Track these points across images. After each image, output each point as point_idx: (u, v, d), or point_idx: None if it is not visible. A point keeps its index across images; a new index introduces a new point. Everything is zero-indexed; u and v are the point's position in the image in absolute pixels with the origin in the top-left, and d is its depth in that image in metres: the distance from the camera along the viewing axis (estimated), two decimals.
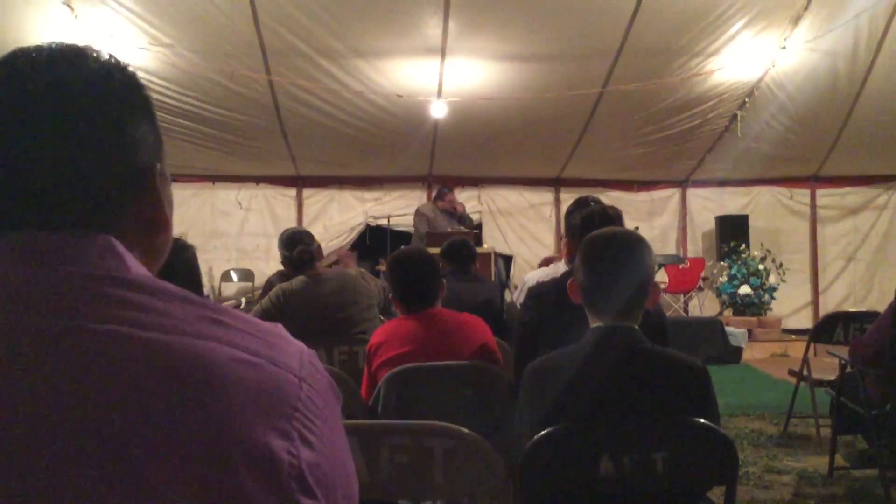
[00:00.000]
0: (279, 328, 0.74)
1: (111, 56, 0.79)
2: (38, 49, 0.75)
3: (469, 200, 10.43)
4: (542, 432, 1.87)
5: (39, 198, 0.71)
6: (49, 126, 0.72)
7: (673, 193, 11.25)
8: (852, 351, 4.09)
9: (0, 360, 0.62)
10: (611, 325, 2.02)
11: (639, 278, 2.05)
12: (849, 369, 4.12)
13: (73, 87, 0.74)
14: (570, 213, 3.15)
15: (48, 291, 0.66)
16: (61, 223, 0.71)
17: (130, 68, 0.80)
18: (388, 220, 10.13)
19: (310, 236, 4.33)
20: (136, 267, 0.73)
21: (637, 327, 2.04)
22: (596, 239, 2.15)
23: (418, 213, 9.24)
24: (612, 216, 3.02)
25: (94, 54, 0.78)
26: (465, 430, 1.86)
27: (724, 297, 10.19)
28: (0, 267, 0.69)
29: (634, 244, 2.11)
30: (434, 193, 9.75)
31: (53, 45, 0.76)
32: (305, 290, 3.99)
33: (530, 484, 1.89)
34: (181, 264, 2.16)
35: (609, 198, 9.02)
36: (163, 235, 0.81)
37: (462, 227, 8.73)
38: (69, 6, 6.97)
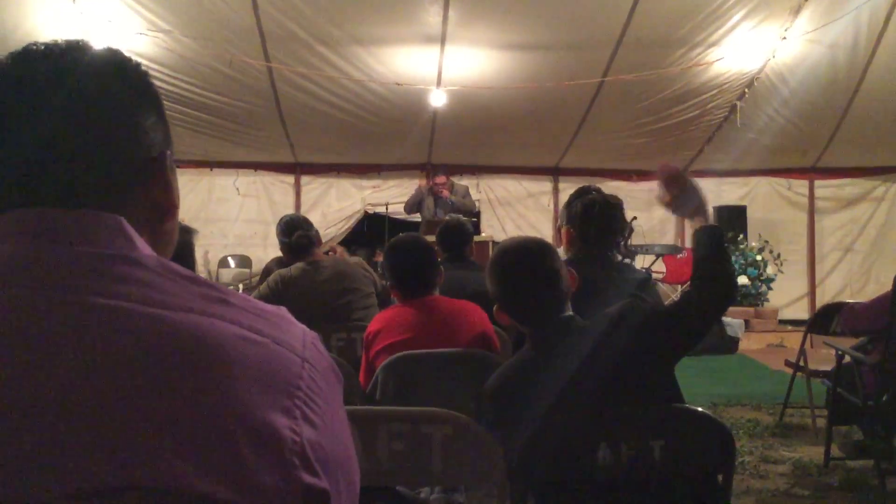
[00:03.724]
0: (283, 310, 0.76)
1: (120, 51, 0.83)
2: (55, 43, 0.80)
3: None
4: (541, 422, 1.87)
5: (51, 178, 0.74)
6: (63, 114, 0.75)
7: None
8: (846, 314, 4.11)
9: (8, 333, 0.63)
10: (564, 316, 2.07)
11: (560, 270, 2.10)
12: (846, 359, 4.13)
13: (87, 77, 0.77)
14: (570, 202, 3.15)
15: (57, 267, 0.68)
16: (73, 204, 0.74)
17: (142, 65, 0.84)
18: (387, 208, 10.11)
19: (308, 222, 4.32)
20: (144, 247, 0.75)
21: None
22: (509, 251, 2.17)
23: (416, 190, 9.34)
24: (614, 204, 3.02)
25: (106, 49, 0.82)
26: (464, 417, 1.86)
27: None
28: (9, 243, 0.70)
29: (542, 245, 2.16)
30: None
31: (67, 41, 0.80)
32: (304, 276, 3.98)
33: (528, 472, 1.90)
34: (177, 246, 2.17)
35: (608, 188, 8.98)
36: (170, 221, 0.84)
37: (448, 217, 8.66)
38: None
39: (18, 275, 0.67)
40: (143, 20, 7.37)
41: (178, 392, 0.62)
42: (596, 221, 2.97)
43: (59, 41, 0.80)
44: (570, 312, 2.10)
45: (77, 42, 0.80)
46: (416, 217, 9.47)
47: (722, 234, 2.18)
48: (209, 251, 10.09)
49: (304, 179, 10.73)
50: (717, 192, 11.05)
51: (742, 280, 9.94)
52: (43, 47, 0.78)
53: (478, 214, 10.63)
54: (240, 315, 0.70)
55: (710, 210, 2.28)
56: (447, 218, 8.02)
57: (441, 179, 9.16)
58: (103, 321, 0.64)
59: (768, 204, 11.01)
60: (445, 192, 9.00)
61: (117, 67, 0.80)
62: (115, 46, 0.83)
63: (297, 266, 4.04)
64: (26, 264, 0.68)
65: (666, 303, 2.25)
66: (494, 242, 8.81)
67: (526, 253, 2.13)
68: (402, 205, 9.74)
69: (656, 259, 9.82)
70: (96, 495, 0.58)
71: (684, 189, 2.27)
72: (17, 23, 6.77)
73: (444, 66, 8.50)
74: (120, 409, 0.61)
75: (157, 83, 0.86)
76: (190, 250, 2.31)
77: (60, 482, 0.58)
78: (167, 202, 0.82)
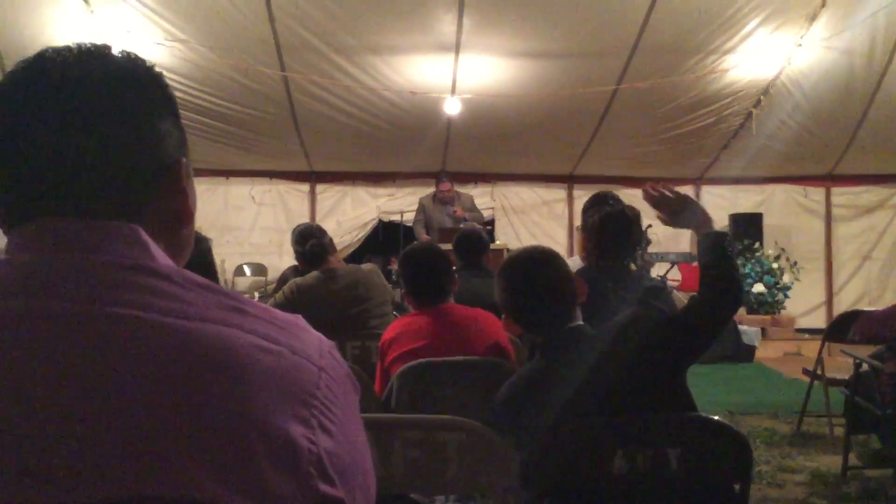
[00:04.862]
0: (299, 319, 0.75)
1: (137, 56, 0.81)
2: (68, 48, 0.78)
3: (482, 197, 10.40)
4: (556, 429, 1.87)
5: (67, 188, 0.73)
6: (78, 120, 0.74)
7: (687, 191, 11.18)
8: (864, 322, 4.08)
9: (27, 344, 0.63)
10: (573, 325, 2.08)
11: (566, 279, 2.12)
12: (864, 368, 4.10)
13: (101, 83, 0.76)
14: (587, 208, 3.14)
15: (74, 277, 0.68)
16: (88, 213, 0.73)
17: (156, 68, 0.82)
18: (402, 216, 10.11)
19: (321, 231, 4.33)
20: (161, 256, 0.74)
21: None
22: (516, 261, 2.20)
23: (419, 204, 9.25)
24: (631, 217, 3.01)
25: (120, 53, 0.80)
26: (479, 425, 1.86)
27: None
28: (27, 254, 0.71)
29: (548, 255, 2.18)
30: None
31: (81, 45, 0.79)
32: (319, 285, 4.00)
33: (543, 480, 1.89)
34: (195, 256, 2.19)
35: (622, 195, 8.96)
36: (187, 228, 0.83)
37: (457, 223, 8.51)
38: (85, 1, 7.01)
39: (36, 285, 0.67)
40: (161, 30, 7.44)
41: (196, 402, 0.63)
42: (612, 235, 2.97)
43: (72, 46, 0.78)
44: (580, 321, 2.10)
45: (90, 47, 0.78)
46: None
47: (725, 239, 2.16)
48: (225, 260, 10.13)
49: (319, 188, 10.76)
50: (732, 200, 11.00)
51: (758, 288, 9.88)
52: (55, 54, 0.77)
53: (492, 222, 10.62)
54: (256, 324, 0.69)
55: (711, 219, 2.26)
56: (462, 226, 8.00)
57: (445, 186, 9.06)
58: (120, 331, 0.64)
59: (785, 211, 10.95)
60: (459, 211, 8.86)
61: (131, 72, 0.79)
62: (129, 50, 0.81)
63: (313, 274, 4.05)
64: (44, 274, 0.68)
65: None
66: (509, 250, 8.78)
67: (532, 262, 2.15)
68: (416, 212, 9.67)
69: (671, 267, 9.78)
70: None
71: (677, 208, 2.27)
72: (35, 34, 6.84)
73: (458, 74, 8.51)
74: (137, 420, 0.61)
75: (174, 93, 0.85)
76: (210, 259, 2.33)
77: (79, 493, 0.58)
78: (183, 210, 0.81)
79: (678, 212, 2.29)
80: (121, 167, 0.75)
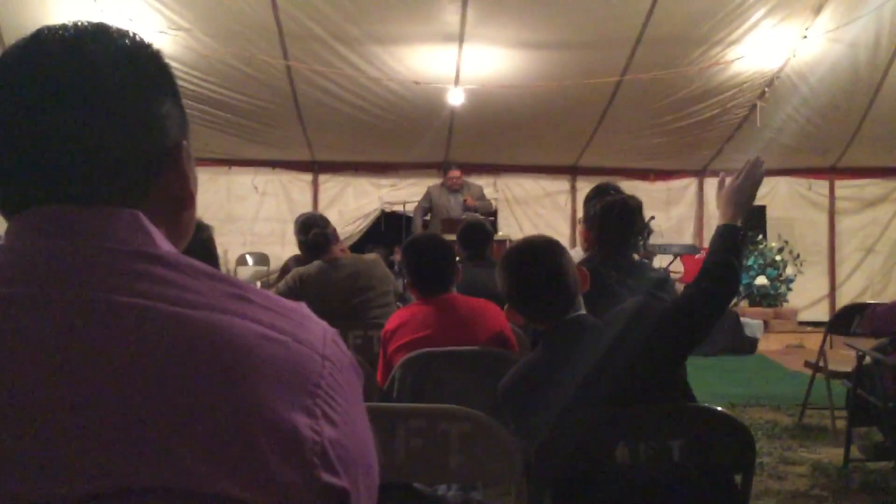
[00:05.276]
0: (303, 307, 0.74)
1: (136, 34, 0.79)
2: (64, 27, 0.76)
3: (485, 188, 10.38)
4: (559, 420, 1.87)
5: (67, 173, 0.72)
6: (76, 102, 0.72)
7: (690, 183, 11.18)
8: (867, 316, 4.09)
9: (29, 332, 0.62)
10: (576, 314, 2.08)
11: (568, 267, 2.11)
12: (867, 361, 4.10)
13: (100, 63, 0.74)
14: (589, 199, 3.13)
15: (76, 265, 0.67)
16: (89, 198, 0.72)
17: (155, 47, 0.80)
18: (404, 207, 10.10)
19: (324, 220, 4.33)
20: (163, 242, 0.73)
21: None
22: (517, 249, 2.21)
23: (426, 191, 9.26)
24: (632, 207, 3.00)
25: (119, 32, 0.78)
26: (481, 414, 1.86)
27: (740, 287, 10.12)
28: (28, 240, 0.69)
29: (551, 244, 2.18)
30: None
31: (79, 23, 0.76)
32: (321, 274, 4.00)
33: (546, 470, 1.89)
34: (198, 244, 2.18)
35: (626, 187, 8.92)
36: (188, 212, 0.81)
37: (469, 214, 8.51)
38: None
39: (37, 272, 0.66)
40: (164, 18, 7.42)
41: (200, 392, 0.62)
42: (614, 225, 2.96)
43: (69, 25, 0.75)
44: (583, 311, 2.09)
45: (87, 25, 0.76)
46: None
47: (736, 232, 2.15)
48: (228, 249, 10.12)
49: (322, 178, 10.74)
50: None
51: (761, 280, 9.87)
52: (51, 34, 0.74)
53: (495, 213, 10.61)
54: (260, 313, 0.69)
55: (740, 214, 2.23)
56: (465, 216, 7.99)
57: (455, 174, 9.07)
58: (123, 319, 0.63)
59: (788, 204, 10.91)
60: (469, 200, 8.85)
61: (129, 52, 0.76)
62: (128, 29, 0.79)
63: (315, 264, 4.06)
64: (45, 262, 0.67)
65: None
66: (511, 241, 8.77)
67: (534, 250, 2.15)
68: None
69: (674, 259, 9.76)
70: (117, 496, 0.58)
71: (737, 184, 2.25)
72: (38, 21, 6.75)
73: (462, 65, 8.49)
74: (141, 410, 0.60)
75: (177, 81, 0.83)
76: (211, 247, 2.32)
77: (82, 482, 0.58)
78: (185, 193, 0.79)
79: (725, 188, 2.26)
80: (121, 150, 0.73)
